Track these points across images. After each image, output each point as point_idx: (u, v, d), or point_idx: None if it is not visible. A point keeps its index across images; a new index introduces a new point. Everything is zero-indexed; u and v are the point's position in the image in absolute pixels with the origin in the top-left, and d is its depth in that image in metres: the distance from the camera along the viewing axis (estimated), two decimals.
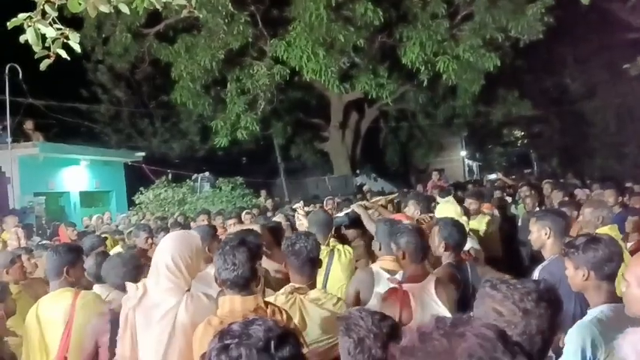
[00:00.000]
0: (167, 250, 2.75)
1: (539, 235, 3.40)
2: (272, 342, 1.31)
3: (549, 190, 8.07)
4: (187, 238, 2.89)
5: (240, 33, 12.27)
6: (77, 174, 13.36)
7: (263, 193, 14.01)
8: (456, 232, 3.44)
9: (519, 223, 7.32)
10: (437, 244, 3.45)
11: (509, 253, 6.53)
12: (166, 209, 12.25)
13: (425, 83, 12.75)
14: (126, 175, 15.04)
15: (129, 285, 2.83)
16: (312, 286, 2.88)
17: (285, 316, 2.60)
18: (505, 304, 1.60)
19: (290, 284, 2.86)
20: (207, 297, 2.74)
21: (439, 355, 0.86)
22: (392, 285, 3.05)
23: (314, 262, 2.90)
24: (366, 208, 5.03)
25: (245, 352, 1.29)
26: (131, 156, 15.02)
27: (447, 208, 5.22)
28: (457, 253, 3.47)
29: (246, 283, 2.61)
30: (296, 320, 2.68)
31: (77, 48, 3.35)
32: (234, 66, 13.36)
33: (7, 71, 10.88)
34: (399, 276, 3.20)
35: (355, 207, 4.95)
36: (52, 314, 3.20)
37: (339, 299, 2.92)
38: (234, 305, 2.53)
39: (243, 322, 1.42)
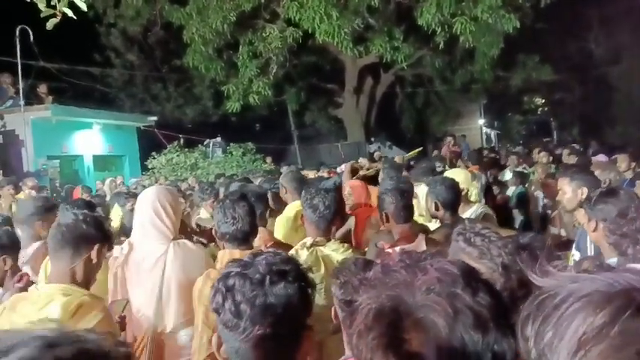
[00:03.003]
0: (149, 201, 2.80)
1: (575, 195, 3.20)
2: (268, 277, 1.27)
3: (567, 156, 7.90)
4: (164, 189, 3.02)
5: None
6: (90, 137, 13.40)
7: (269, 159, 13.95)
8: (445, 190, 3.30)
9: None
10: (429, 204, 3.33)
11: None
12: (179, 174, 12.30)
13: (441, 46, 12.38)
14: (139, 140, 15.05)
15: (115, 247, 2.86)
16: (329, 239, 2.87)
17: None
18: (482, 262, 1.48)
19: (308, 238, 2.85)
20: (192, 244, 2.80)
21: (397, 287, 0.82)
22: (387, 250, 2.99)
23: (331, 216, 2.88)
24: (356, 168, 5.05)
25: (239, 282, 1.27)
26: (144, 120, 14.99)
27: (455, 174, 5.07)
28: (453, 212, 3.33)
29: (245, 237, 2.64)
30: (321, 272, 2.68)
31: (83, 6, 3.29)
32: (246, 28, 13.14)
33: (17, 34, 10.80)
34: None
35: (347, 164, 4.97)
36: None
37: (354, 249, 2.91)
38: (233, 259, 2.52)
39: (255, 252, 1.41)
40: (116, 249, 2.76)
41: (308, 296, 1.32)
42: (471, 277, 0.84)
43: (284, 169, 11.56)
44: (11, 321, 1.91)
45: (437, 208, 3.31)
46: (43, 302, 1.96)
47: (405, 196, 3.10)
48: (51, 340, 0.59)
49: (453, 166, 8.44)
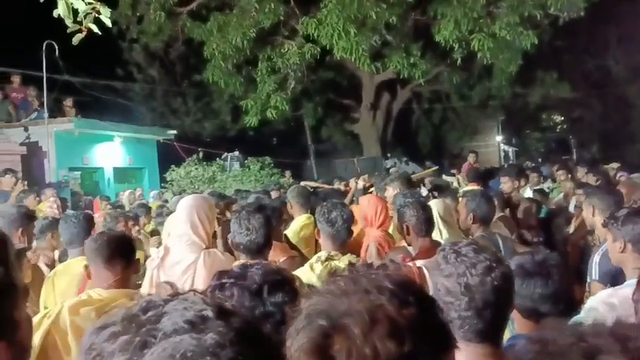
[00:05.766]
0: (190, 209, 2.92)
1: (587, 214, 3.21)
2: (265, 286, 1.31)
3: (584, 174, 7.82)
4: (205, 199, 3.13)
5: (272, 11, 12.23)
6: (111, 150, 13.63)
7: (288, 173, 14.04)
8: (484, 204, 3.34)
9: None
10: (464, 216, 3.36)
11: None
12: (197, 186, 12.42)
13: (459, 62, 12.42)
14: (158, 153, 15.26)
15: (152, 249, 2.99)
16: (345, 254, 2.91)
17: (298, 283, 2.60)
18: (450, 280, 1.49)
19: (323, 252, 2.89)
20: (222, 254, 2.91)
21: (332, 294, 0.86)
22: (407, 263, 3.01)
23: (347, 231, 2.94)
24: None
25: (237, 292, 1.30)
26: (163, 134, 15.21)
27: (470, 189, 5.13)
28: (486, 225, 3.36)
29: (259, 248, 2.68)
30: None
31: (108, 23, 3.41)
32: (266, 45, 13.34)
33: (44, 48, 11.11)
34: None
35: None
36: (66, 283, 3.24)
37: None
38: None
39: (244, 264, 1.46)
40: (153, 251, 2.89)
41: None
42: (404, 290, 0.87)
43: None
44: (75, 325, 2.06)
45: (474, 221, 3.35)
46: (108, 307, 2.13)
47: (427, 209, 3.15)
48: None
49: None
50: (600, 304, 2.02)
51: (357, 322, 0.81)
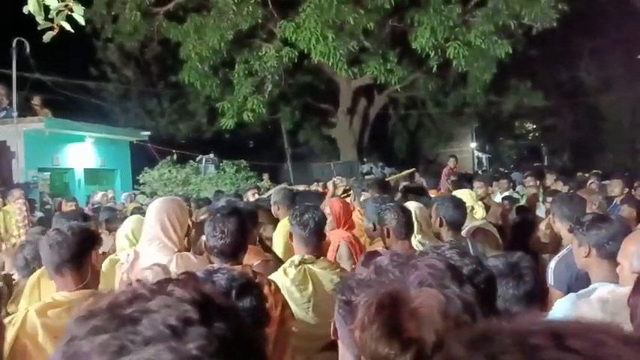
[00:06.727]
0: (160, 211, 2.83)
1: (549, 221, 3.29)
2: (233, 291, 1.30)
3: (552, 181, 8.00)
4: (176, 201, 3.04)
5: (250, 14, 12.17)
6: (82, 151, 13.35)
7: (265, 176, 14.00)
8: (452, 209, 3.37)
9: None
10: (433, 220, 3.40)
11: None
12: (170, 189, 12.26)
13: (435, 69, 12.58)
14: (131, 154, 15.01)
15: (120, 253, 2.91)
16: (318, 257, 2.90)
17: (273, 287, 2.56)
18: None
19: (296, 256, 2.85)
20: (195, 257, 2.81)
21: (392, 284, 0.92)
22: None
23: (320, 234, 2.91)
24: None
25: None
26: (137, 135, 14.98)
27: (460, 194, 5.13)
28: (456, 230, 3.39)
29: (234, 252, 2.63)
30: (309, 290, 2.69)
31: (81, 21, 3.33)
32: (243, 47, 13.28)
33: (14, 45, 10.84)
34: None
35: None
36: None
37: (342, 268, 2.96)
38: None
39: (208, 270, 1.44)
40: (122, 255, 2.83)
41: (267, 309, 1.38)
42: (455, 271, 0.97)
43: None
44: (47, 325, 2.00)
45: (441, 225, 3.37)
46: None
47: (407, 212, 3.17)
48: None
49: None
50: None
51: (432, 304, 0.87)
